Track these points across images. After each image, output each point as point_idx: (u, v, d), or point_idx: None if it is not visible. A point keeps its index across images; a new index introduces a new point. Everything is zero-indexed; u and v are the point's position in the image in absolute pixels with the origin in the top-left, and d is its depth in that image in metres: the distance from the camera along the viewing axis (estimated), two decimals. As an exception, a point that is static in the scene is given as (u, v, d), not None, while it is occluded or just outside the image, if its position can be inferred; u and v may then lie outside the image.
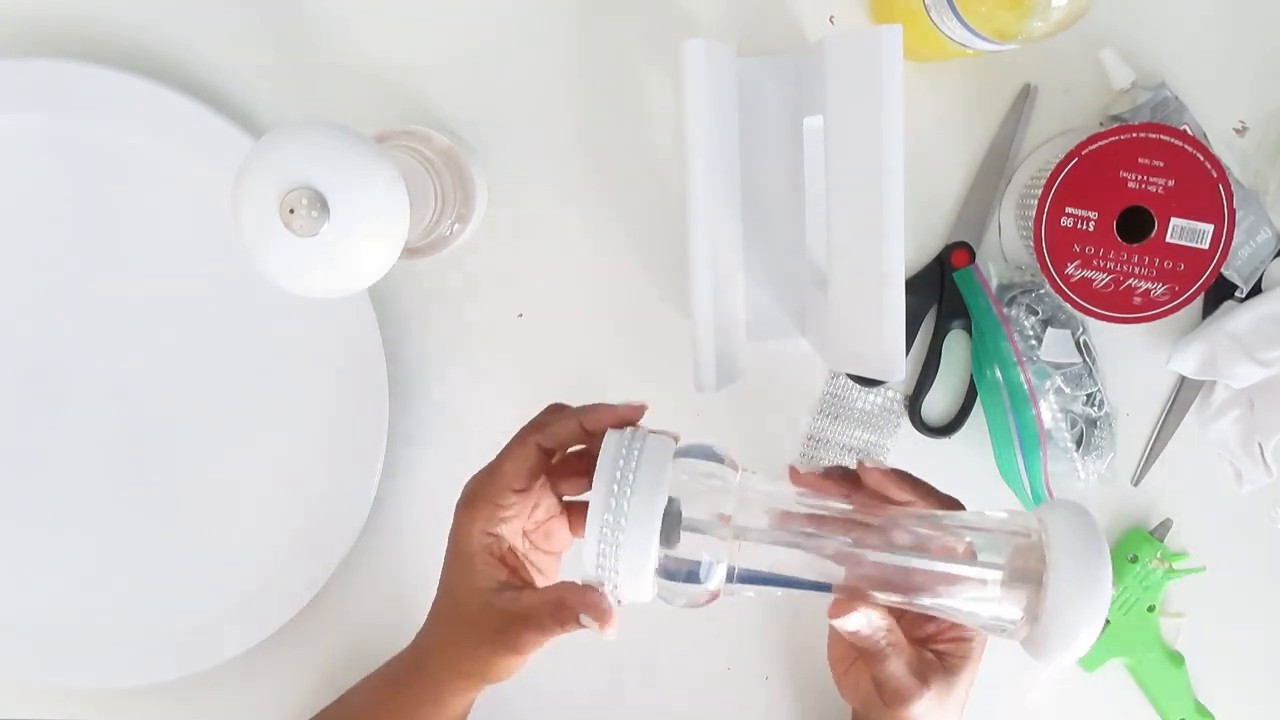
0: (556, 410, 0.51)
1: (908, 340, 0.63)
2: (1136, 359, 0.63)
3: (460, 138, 0.62)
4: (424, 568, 0.66)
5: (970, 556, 0.44)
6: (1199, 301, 0.62)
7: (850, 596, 0.46)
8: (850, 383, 0.64)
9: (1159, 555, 0.63)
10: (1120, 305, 0.58)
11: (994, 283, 0.62)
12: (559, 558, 0.53)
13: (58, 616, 0.65)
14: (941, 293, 0.63)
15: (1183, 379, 0.63)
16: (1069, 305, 0.58)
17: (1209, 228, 0.57)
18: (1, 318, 0.63)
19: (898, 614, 0.48)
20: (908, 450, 0.64)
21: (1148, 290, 0.57)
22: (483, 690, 0.53)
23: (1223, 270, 0.60)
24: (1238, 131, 0.62)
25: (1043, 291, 0.61)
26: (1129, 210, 0.57)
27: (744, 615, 0.66)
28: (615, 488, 0.43)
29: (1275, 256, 0.61)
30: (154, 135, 0.60)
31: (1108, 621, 0.63)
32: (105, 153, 0.61)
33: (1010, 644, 0.65)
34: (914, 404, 0.64)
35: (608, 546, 0.43)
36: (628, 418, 0.48)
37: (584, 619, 0.45)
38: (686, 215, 0.54)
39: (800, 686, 0.66)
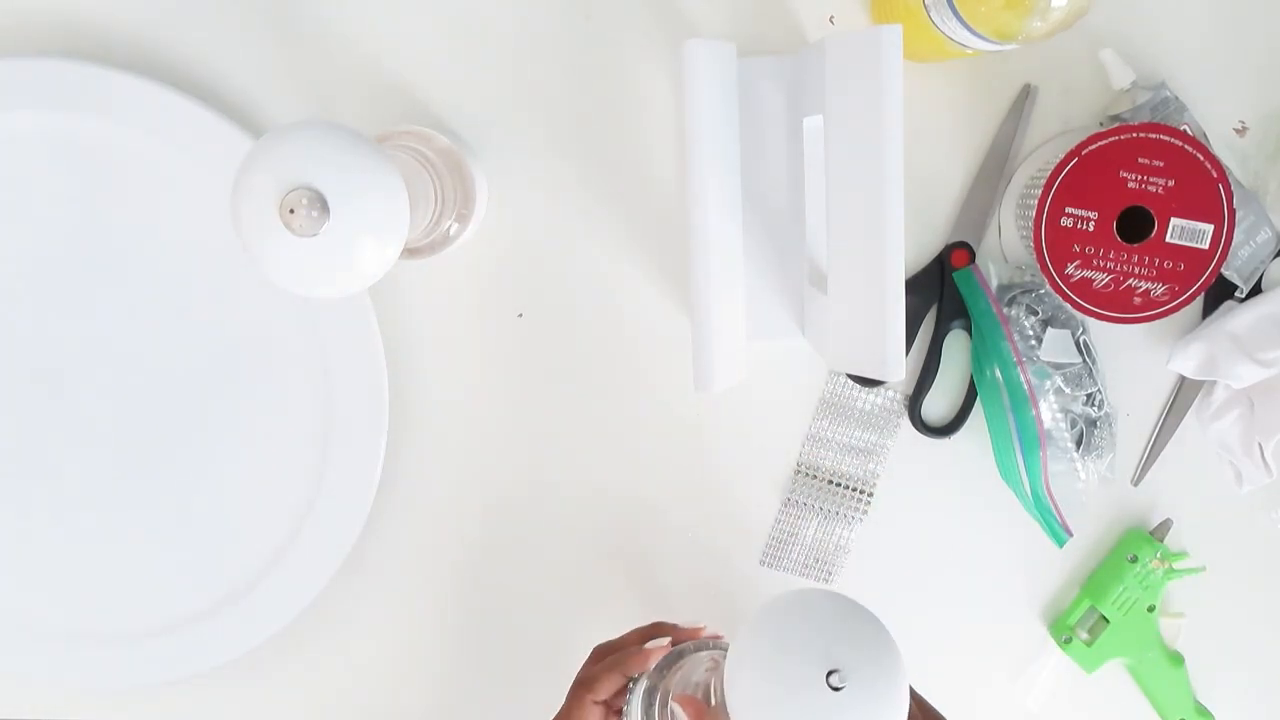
0: (599, 658, 0.57)
1: (908, 340, 0.63)
2: (1136, 359, 0.63)
3: (460, 138, 0.62)
4: (424, 567, 0.66)
5: None
6: (1199, 301, 0.62)
7: None
8: (850, 383, 0.64)
9: (1159, 555, 0.63)
10: (1120, 305, 0.58)
11: (994, 283, 0.62)
12: None
13: (57, 616, 0.65)
14: (941, 293, 0.63)
15: (1183, 379, 0.63)
16: (1069, 305, 0.58)
17: (1209, 228, 0.57)
18: (0, 316, 0.63)
19: None
20: (908, 450, 0.64)
21: (1148, 290, 0.57)
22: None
23: (1223, 270, 0.60)
24: (1238, 131, 0.62)
25: (1043, 291, 0.61)
26: (1129, 210, 0.57)
27: (742, 613, 0.66)
28: None
29: (1275, 256, 0.61)
30: (154, 135, 0.60)
31: (1107, 621, 0.64)
32: (105, 153, 0.61)
33: (1008, 644, 0.66)
34: (914, 404, 0.64)
35: None
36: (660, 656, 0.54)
37: None
38: (687, 215, 0.54)
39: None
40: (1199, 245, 0.57)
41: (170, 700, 0.67)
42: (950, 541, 0.65)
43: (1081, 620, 0.65)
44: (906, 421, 0.64)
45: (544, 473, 0.65)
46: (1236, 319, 0.60)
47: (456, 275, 0.63)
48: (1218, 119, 0.61)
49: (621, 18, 0.61)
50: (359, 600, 0.66)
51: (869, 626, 0.42)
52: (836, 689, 0.40)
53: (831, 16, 0.61)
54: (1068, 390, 0.62)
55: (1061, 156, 0.57)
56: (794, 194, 0.61)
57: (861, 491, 0.65)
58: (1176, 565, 0.63)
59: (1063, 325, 0.62)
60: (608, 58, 0.62)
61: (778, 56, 0.60)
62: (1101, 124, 0.61)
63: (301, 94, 0.62)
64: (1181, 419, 0.63)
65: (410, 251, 0.58)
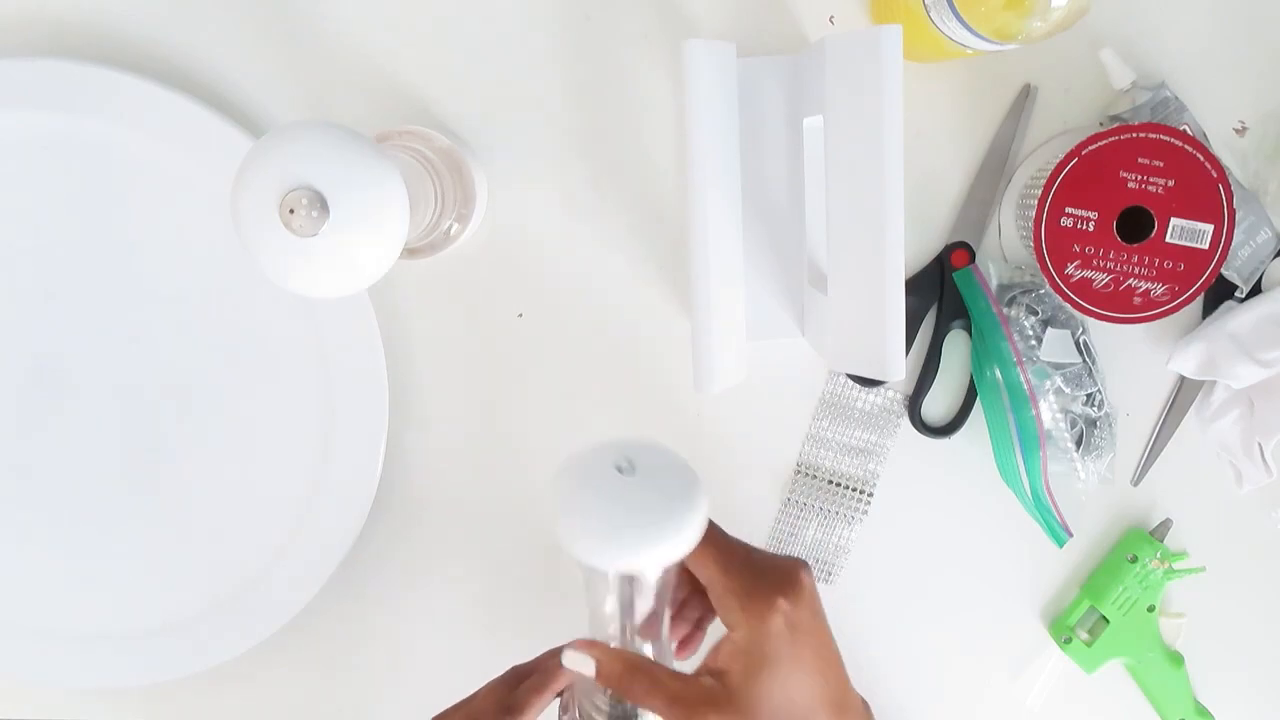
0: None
1: (908, 340, 0.63)
2: (1136, 359, 0.63)
3: (460, 138, 0.62)
4: (423, 567, 0.66)
5: None
6: (1199, 301, 0.62)
7: None
8: (850, 383, 0.64)
9: (1159, 555, 0.63)
10: (1120, 305, 0.58)
11: (994, 283, 0.62)
12: None
13: (57, 616, 0.65)
14: (941, 293, 0.63)
15: (1183, 379, 0.63)
16: (1069, 305, 0.58)
17: (1209, 228, 0.57)
18: (0, 316, 0.63)
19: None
20: (908, 450, 0.64)
21: (1148, 290, 0.57)
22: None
23: (1223, 270, 0.60)
24: (1238, 131, 0.62)
25: (1043, 291, 0.61)
26: (1129, 210, 0.57)
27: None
28: None
29: (1275, 256, 0.61)
30: (154, 135, 0.60)
31: (1107, 621, 0.64)
32: (105, 153, 0.61)
33: (1008, 644, 0.66)
34: (914, 404, 0.64)
35: None
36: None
37: None
38: (687, 215, 0.54)
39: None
40: (1199, 245, 0.57)
41: (170, 700, 0.67)
42: (950, 541, 0.65)
43: (1081, 620, 0.65)
44: (906, 421, 0.64)
45: (545, 472, 0.65)
46: (1236, 319, 0.60)
47: (456, 275, 0.63)
48: (1218, 119, 0.61)
49: (621, 18, 0.61)
50: (359, 600, 0.66)
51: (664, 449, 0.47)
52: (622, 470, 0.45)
53: (831, 16, 0.61)
54: (1068, 390, 0.62)
55: (1061, 156, 0.57)
56: (794, 194, 0.61)
57: (861, 491, 0.65)
58: (1176, 565, 0.63)
59: (1063, 325, 0.62)
60: (608, 58, 0.62)
61: (778, 56, 0.60)
62: (1101, 124, 0.61)
63: (301, 94, 0.62)
64: (1181, 419, 0.64)
65: (410, 251, 0.58)
